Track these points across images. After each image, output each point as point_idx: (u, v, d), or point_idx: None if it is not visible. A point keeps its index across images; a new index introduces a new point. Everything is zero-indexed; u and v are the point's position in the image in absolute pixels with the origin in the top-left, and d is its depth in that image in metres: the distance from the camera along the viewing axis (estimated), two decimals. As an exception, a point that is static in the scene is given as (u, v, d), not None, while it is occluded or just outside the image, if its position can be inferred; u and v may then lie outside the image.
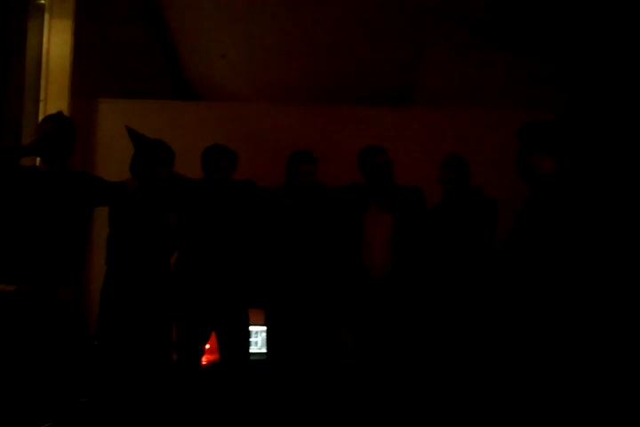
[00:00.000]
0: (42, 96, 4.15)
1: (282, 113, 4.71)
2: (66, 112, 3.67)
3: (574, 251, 2.63)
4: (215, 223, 3.43)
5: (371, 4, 5.35)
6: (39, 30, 4.16)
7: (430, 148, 4.37)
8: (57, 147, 2.91)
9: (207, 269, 3.40)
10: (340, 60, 6.36)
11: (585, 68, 4.87)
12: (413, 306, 3.53)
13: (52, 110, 3.59)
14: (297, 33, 5.89)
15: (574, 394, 2.59)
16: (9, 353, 2.76)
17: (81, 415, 3.04)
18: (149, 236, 3.28)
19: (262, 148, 4.45)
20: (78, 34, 4.26)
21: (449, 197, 3.68)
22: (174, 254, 3.46)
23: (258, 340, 4.26)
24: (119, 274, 3.28)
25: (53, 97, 4.15)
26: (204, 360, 3.66)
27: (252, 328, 3.61)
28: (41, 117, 3.90)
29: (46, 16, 4.18)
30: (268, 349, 3.60)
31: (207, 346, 3.59)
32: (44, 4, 4.17)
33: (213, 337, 3.48)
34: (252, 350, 3.95)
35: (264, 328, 3.69)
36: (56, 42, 4.20)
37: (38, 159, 3.06)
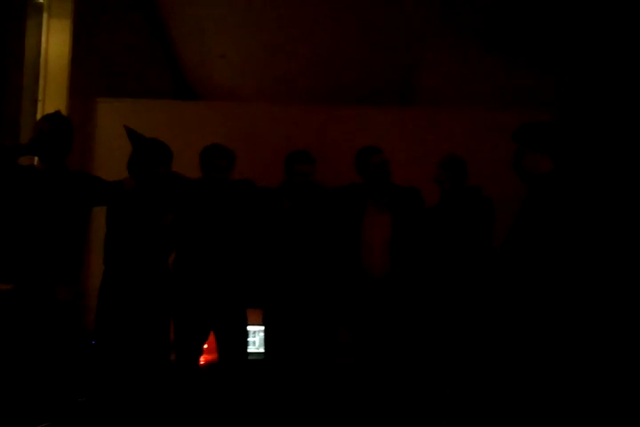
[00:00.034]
0: (40, 96, 4.14)
1: (281, 113, 4.70)
2: (64, 112, 3.66)
3: (572, 251, 2.63)
4: (213, 223, 3.42)
5: (371, 4, 5.35)
6: (37, 30, 4.16)
7: (430, 148, 4.36)
8: (55, 146, 2.92)
9: (205, 268, 3.39)
10: (339, 60, 6.36)
11: (584, 69, 4.86)
12: (412, 306, 3.53)
13: (50, 110, 3.57)
14: (297, 33, 5.89)
15: (574, 394, 2.59)
16: (6, 352, 2.75)
17: (79, 415, 3.05)
18: (147, 235, 3.28)
19: (261, 147, 4.44)
20: (77, 33, 4.26)
21: (446, 196, 3.68)
22: (172, 254, 3.46)
23: (256, 340, 4.26)
24: (117, 274, 3.27)
25: (52, 97, 4.15)
26: (202, 360, 3.65)
27: (249, 328, 3.60)
28: (39, 117, 3.90)
29: (45, 16, 4.18)
30: (265, 348, 3.59)
31: (205, 346, 3.59)
32: (42, 4, 4.17)
33: (211, 337, 3.47)
34: (250, 349, 3.95)
35: (262, 328, 3.68)
36: (54, 41, 4.20)
37: (36, 158, 3.06)
